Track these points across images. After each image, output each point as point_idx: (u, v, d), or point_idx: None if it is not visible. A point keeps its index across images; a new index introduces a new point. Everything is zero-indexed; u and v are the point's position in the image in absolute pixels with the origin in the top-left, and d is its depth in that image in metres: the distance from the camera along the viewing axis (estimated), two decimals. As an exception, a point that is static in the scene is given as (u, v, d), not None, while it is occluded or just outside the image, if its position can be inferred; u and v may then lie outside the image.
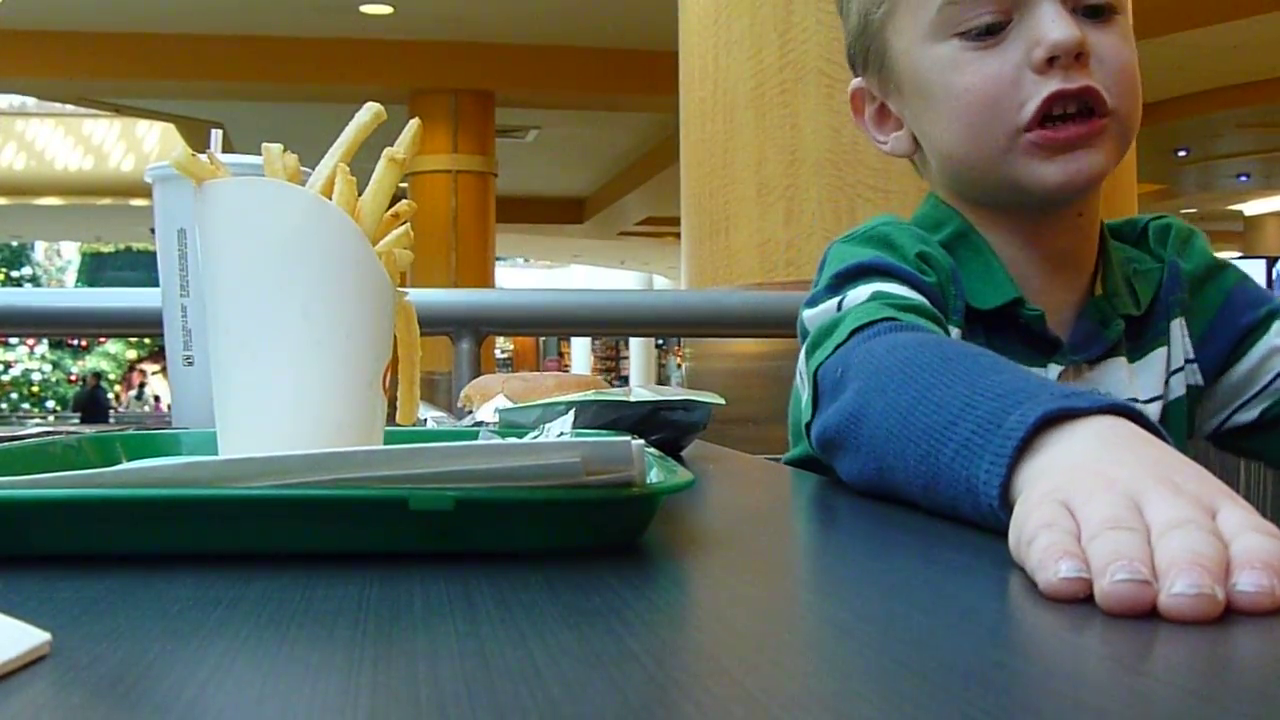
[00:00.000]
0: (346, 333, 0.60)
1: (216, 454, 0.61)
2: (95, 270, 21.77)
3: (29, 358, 23.27)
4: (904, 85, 0.91)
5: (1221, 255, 0.97)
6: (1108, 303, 0.90)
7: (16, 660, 0.30)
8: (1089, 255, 0.91)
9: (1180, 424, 0.91)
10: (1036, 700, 0.28)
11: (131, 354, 22.99)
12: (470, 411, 1.09)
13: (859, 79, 0.97)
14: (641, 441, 0.49)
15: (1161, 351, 0.91)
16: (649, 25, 6.45)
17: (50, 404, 22.39)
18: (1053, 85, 0.82)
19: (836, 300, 0.81)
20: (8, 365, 23.20)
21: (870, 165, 2.44)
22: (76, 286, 21.09)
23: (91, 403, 16.95)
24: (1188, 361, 0.92)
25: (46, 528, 0.45)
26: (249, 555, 0.45)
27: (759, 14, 2.60)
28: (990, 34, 0.85)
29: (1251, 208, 13.72)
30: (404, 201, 0.65)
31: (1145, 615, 0.36)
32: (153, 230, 0.96)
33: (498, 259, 9.63)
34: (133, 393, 22.38)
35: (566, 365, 21.95)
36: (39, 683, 0.29)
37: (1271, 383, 0.92)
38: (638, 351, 21.20)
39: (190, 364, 0.96)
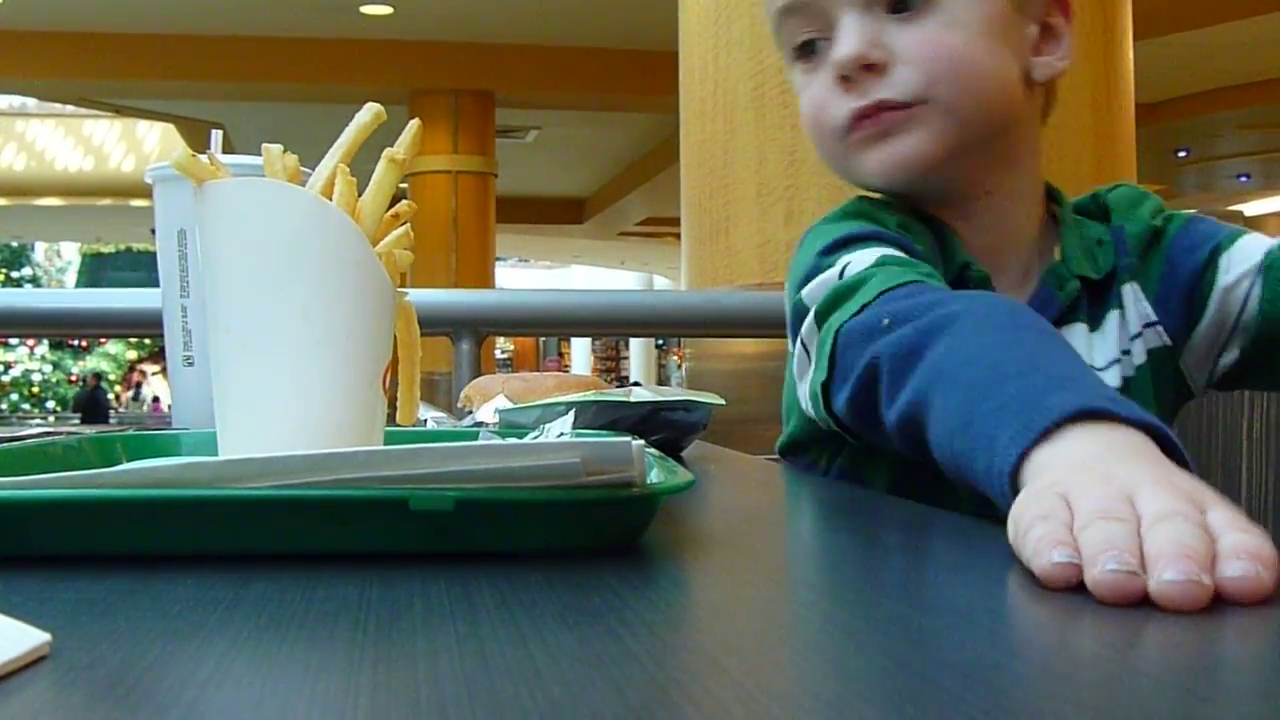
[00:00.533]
0: (346, 333, 0.60)
1: (216, 454, 0.61)
2: (95, 271, 21.74)
3: (29, 358, 23.26)
4: None
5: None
6: (1064, 267, 0.91)
7: (16, 660, 0.30)
8: (1025, 229, 0.93)
9: (1146, 389, 0.91)
10: (1036, 700, 0.28)
11: (131, 354, 22.99)
12: (470, 412, 1.09)
13: None
14: (641, 442, 0.49)
15: (1114, 315, 0.91)
16: (649, 25, 6.46)
17: (50, 404, 22.39)
18: (850, 104, 0.87)
19: (838, 268, 0.81)
20: (8, 366, 23.20)
21: (870, 166, 2.43)
22: (76, 287, 21.08)
23: (92, 403, 16.95)
24: (1147, 325, 0.92)
25: (46, 528, 0.45)
26: (249, 555, 0.45)
27: (759, 14, 2.59)
28: (814, 53, 0.90)
29: (1251, 208, 13.71)
30: (404, 202, 0.65)
31: (1135, 604, 0.37)
32: (153, 231, 0.96)
33: (498, 259, 9.62)
34: (130, 393, 22.37)
35: (566, 365, 21.95)
36: (39, 683, 0.29)
37: (1239, 320, 0.90)
38: (638, 351, 21.21)
39: (190, 364, 0.96)
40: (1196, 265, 0.91)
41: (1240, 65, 8.24)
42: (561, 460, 0.45)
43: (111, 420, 14.51)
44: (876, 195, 0.94)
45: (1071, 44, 0.92)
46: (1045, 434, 0.50)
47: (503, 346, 19.47)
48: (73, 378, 22.75)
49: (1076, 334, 0.90)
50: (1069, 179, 1.93)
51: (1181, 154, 11.01)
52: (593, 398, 0.92)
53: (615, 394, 0.95)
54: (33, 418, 16.86)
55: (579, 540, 0.48)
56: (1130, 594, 0.37)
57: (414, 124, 0.63)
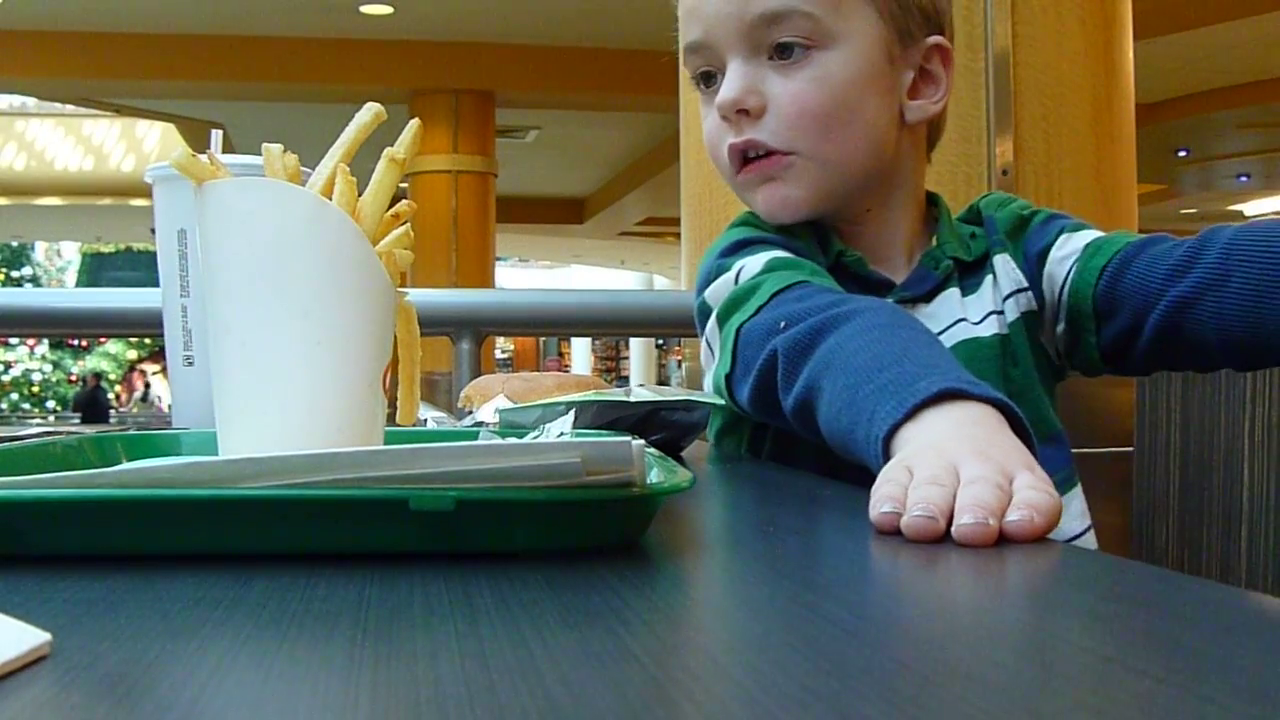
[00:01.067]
0: (346, 333, 0.60)
1: (216, 454, 0.61)
2: (95, 270, 21.74)
3: (29, 358, 23.26)
4: None
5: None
6: (940, 250, 1.02)
7: (16, 660, 0.30)
8: (904, 232, 1.03)
9: (1023, 345, 1.00)
10: (1036, 700, 0.28)
11: (132, 354, 22.98)
12: (470, 412, 1.09)
13: None
14: (641, 442, 0.49)
15: (988, 279, 1.01)
16: (649, 25, 6.46)
17: (50, 404, 22.39)
18: (730, 139, 0.98)
19: (733, 272, 0.93)
20: (8, 365, 23.20)
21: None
22: (77, 287, 21.07)
23: (92, 403, 16.94)
24: (1019, 291, 1.01)
25: (46, 528, 0.45)
26: (249, 555, 0.45)
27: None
28: (714, 84, 1.00)
29: (1251, 208, 13.71)
30: (404, 202, 0.65)
31: (937, 541, 0.49)
32: (153, 230, 0.96)
33: (498, 259, 9.62)
34: (137, 394, 22.34)
35: (566, 365, 21.94)
36: (39, 683, 0.29)
37: (1060, 297, 0.99)
38: (638, 351, 21.19)
39: (190, 364, 0.96)
40: (1045, 243, 1.02)
41: (1240, 65, 8.24)
42: (561, 460, 0.45)
43: (111, 420, 14.50)
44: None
45: (949, 85, 1.01)
46: (913, 411, 0.62)
47: (503, 346, 19.47)
48: (72, 377, 22.75)
49: (950, 298, 1.00)
50: (1069, 179, 1.93)
51: (1181, 154, 11.01)
52: (593, 398, 0.92)
53: (615, 394, 0.95)
54: (33, 417, 16.87)
55: (579, 540, 0.48)
56: (932, 534, 0.50)
57: (414, 124, 0.63)
